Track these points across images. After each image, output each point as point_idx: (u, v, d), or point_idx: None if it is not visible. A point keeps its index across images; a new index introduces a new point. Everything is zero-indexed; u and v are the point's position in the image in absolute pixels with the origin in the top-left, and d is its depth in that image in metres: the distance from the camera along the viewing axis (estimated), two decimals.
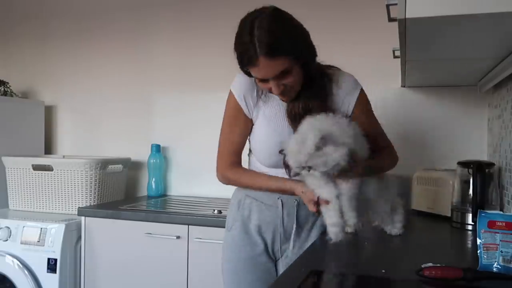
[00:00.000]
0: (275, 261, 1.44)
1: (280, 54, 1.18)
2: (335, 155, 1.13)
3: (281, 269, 1.41)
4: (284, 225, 1.41)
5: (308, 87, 1.31)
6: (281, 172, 1.35)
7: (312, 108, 1.30)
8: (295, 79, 1.25)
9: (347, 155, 1.14)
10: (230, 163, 1.42)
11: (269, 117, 1.37)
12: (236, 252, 1.44)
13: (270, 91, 1.29)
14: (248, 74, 1.28)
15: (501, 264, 1.03)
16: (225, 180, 1.45)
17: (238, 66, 1.27)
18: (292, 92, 1.29)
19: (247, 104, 1.37)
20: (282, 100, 1.35)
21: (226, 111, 1.43)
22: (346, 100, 1.37)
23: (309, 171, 1.16)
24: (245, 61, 1.21)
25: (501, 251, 1.03)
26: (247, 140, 1.46)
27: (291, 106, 1.33)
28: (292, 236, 1.40)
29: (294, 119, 1.31)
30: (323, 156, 1.13)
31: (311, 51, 1.28)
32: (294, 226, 1.40)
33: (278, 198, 1.40)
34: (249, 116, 1.39)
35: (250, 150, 1.50)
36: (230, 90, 1.40)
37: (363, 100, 1.40)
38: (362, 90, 1.40)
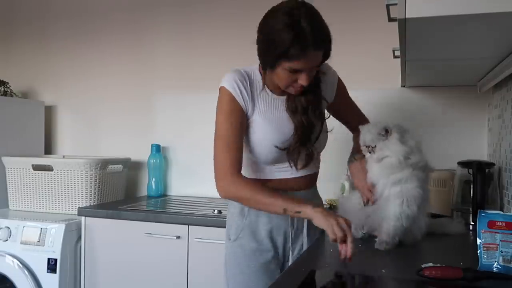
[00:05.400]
0: (282, 263, 1.42)
1: (324, 46, 1.22)
2: (394, 147, 1.25)
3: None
4: (294, 224, 1.41)
5: None
6: (281, 167, 1.38)
7: (313, 100, 1.35)
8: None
9: (403, 156, 1.24)
10: (234, 173, 1.30)
11: (266, 114, 1.36)
12: (247, 261, 1.38)
13: (288, 85, 1.28)
14: (265, 67, 1.28)
15: (501, 264, 1.03)
16: (228, 194, 1.33)
17: (261, 58, 1.28)
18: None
19: (243, 97, 1.33)
20: (291, 93, 1.33)
21: (220, 111, 1.35)
22: (329, 86, 1.43)
23: (370, 152, 1.30)
24: (292, 53, 1.17)
25: (501, 251, 1.03)
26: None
27: (292, 99, 1.34)
28: (305, 231, 1.41)
29: (296, 112, 1.34)
30: (385, 141, 1.27)
31: None
32: (306, 221, 1.41)
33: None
34: (245, 111, 1.35)
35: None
36: (222, 87, 1.35)
37: (341, 84, 1.49)
38: (338, 77, 1.48)
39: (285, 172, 1.40)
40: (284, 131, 1.35)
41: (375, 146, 1.29)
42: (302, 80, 1.25)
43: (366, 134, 1.31)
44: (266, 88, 1.37)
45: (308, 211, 1.20)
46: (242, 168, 1.36)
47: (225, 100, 1.34)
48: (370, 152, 1.31)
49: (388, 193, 1.28)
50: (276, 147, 1.34)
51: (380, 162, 1.29)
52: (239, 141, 1.33)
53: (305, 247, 1.41)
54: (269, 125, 1.35)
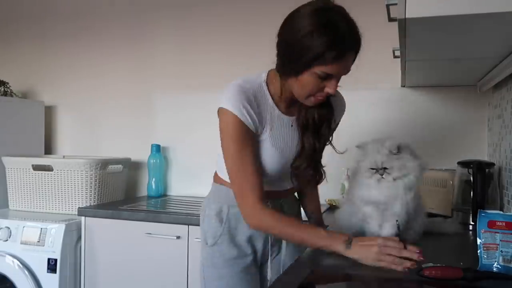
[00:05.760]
0: (261, 264, 1.39)
1: (359, 48, 1.15)
2: (410, 163, 1.17)
3: (269, 269, 1.38)
4: None
5: None
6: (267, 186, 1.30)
7: (327, 114, 1.27)
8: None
9: (421, 168, 1.18)
10: (258, 203, 1.19)
11: (273, 134, 1.26)
12: (227, 267, 1.32)
13: (311, 95, 1.17)
14: (288, 74, 1.16)
15: (501, 264, 1.03)
16: (260, 229, 1.26)
17: (283, 67, 1.18)
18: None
19: (252, 120, 1.20)
20: (309, 105, 1.22)
21: (229, 139, 1.20)
22: (337, 112, 1.33)
23: (382, 175, 1.17)
24: (329, 56, 1.07)
25: (501, 251, 1.03)
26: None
27: (304, 114, 1.26)
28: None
29: (307, 128, 1.26)
30: (400, 159, 1.16)
31: None
32: None
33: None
34: (254, 131, 1.22)
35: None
36: (227, 111, 1.19)
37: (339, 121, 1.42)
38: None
39: (274, 185, 1.34)
40: (288, 156, 1.29)
41: (391, 167, 1.18)
42: (331, 88, 1.14)
43: (377, 155, 1.19)
44: (274, 106, 1.27)
45: (339, 248, 1.12)
46: (222, 172, 1.33)
47: (232, 126, 1.19)
48: (381, 174, 1.18)
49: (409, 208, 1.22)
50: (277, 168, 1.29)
51: (397, 182, 1.18)
52: (256, 165, 1.22)
53: (284, 248, 1.39)
54: (275, 149, 1.26)
